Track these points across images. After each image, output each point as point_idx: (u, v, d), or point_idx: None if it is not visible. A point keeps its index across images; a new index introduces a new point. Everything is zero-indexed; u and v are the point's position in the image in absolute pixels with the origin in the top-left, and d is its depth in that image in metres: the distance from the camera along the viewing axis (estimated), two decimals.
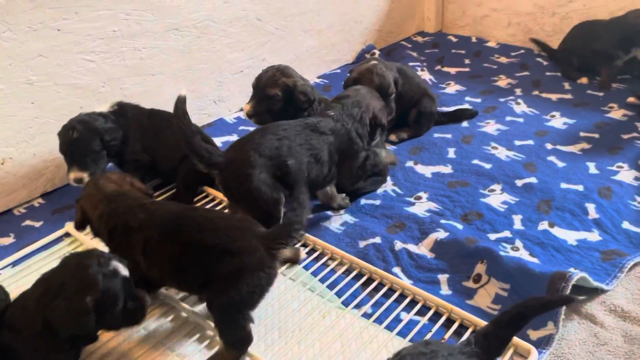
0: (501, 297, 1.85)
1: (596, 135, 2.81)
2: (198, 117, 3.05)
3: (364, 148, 2.22)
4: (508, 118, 3.04)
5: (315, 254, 2.09)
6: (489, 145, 2.76)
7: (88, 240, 2.11)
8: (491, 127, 2.95)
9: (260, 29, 3.22)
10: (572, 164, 2.57)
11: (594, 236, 2.11)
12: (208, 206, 2.38)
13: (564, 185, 2.39)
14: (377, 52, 3.89)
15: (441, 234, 2.10)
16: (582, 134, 2.83)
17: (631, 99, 3.07)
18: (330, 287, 1.94)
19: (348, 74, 2.60)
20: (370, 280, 1.95)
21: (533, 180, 2.44)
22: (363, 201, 2.40)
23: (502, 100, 3.25)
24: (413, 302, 1.85)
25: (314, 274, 2.01)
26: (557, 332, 1.69)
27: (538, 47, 3.80)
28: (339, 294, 1.90)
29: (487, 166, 2.58)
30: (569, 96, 3.25)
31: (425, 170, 2.61)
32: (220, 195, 2.41)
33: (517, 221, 2.21)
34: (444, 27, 4.45)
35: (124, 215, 1.69)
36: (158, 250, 1.64)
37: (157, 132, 2.45)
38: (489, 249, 1.96)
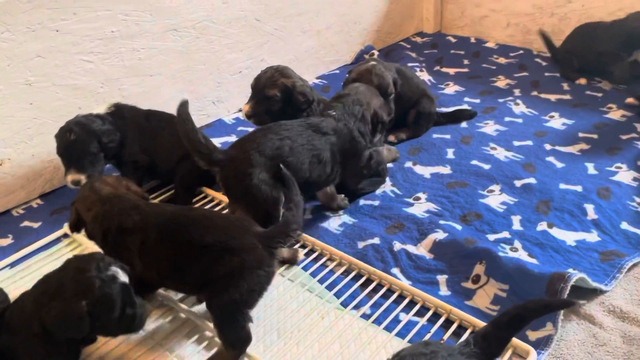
0: (500, 297, 1.85)
1: (595, 136, 2.81)
2: (197, 117, 3.02)
3: (367, 146, 2.22)
4: (507, 119, 3.04)
5: (314, 255, 2.09)
6: (488, 146, 2.76)
7: (87, 241, 2.10)
8: (490, 127, 2.95)
9: (259, 29, 3.22)
10: (571, 164, 2.57)
11: (592, 237, 2.11)
12: (207, 207, 2.38)
13: (562, 186, 2.39)
14: (376, 53, 3.89)
15: (440, 235, 2.10)
16: (581, 134, 2.83)
17: (630, 100, 3.07)
18: (329, 287, 1.94)
19: (347, 75, 2.60)
20: (369, 281, 1.95)
21: (532, 180, 2.44)
22: (362, 202, 2.40)
23: (501, 100, 3.25)
24: (412, 303, 1.85)
25: (313, 274, 2.00)
26: (556, 332, 1.69)
27: (543, 42, 3.71)
28: (337, 295, 1.90)
29: (486, 167, 2.58)
30: (567, 97, 3.25)
31: (424, 171, 2.60)
32: (218, 196, 2.41)
33: (516, 222, 2.21)
34: (443, 27, 4.45)
35: (118, 217, 1.68)
36: (156, 251, 1.63)
37: (155, 133, 2.44)
38: (488, 249, 1.96)
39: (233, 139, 2.92)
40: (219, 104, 3.18)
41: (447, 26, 4.42)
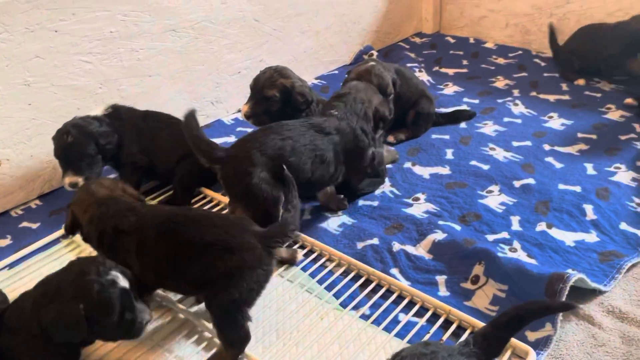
0: (499, 298, 1.85)
1: (594, 136, 2.81)
2: None
3: (370, 145, 2.22)
4: (506, 119, 3.04)
5: (313, 255, 2.09)
6: (487, 147, 2.76)
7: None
8: (489, 128, 2.95)
9: (258, 30, 3.22)
10: (569, 165, 2.57)
11: (591, 237, 2.11)
12: (206, 207, 2.37)
13: (561, 186, 2.40)
14: (375, 53, 3.89)
15: (439, 235, 2.10)
16: (579, 135, 2.83)
17: (629, 100, 3.07)
18: (328, 288, 1.93)
19: (346, 75, 2.60)
20: (368, 282, 1.95)
21: (531, 181, 2.44)
22: (361, 202, 2.40)
23: (500, 101, 3.25)
24: (411, 304, 1.85)
25: (312, 275, 2.00)
26: (555, 333, 1.69)
27: (549, 35, 3.69)
28: (337, 296, 1.90)
29: (485, 167, 2.59)
30: (566, 97, 3.25)
31: (423, 172, 2.60)
32: (217, 197, 2.41)
33: (515, 222, 2.21)
34: (442, 28, 4.45)
35: (114, 219, 1.68)
36: (154, 251, 1.63)
37: (153, 134, 2.44)
38: (487, 250, 1.96)
39: (232, 139, 2.92)
40: (217, 105, 3.17)
41: (446, 26, 4.42)
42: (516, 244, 2.08)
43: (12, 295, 1.68)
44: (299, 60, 3.54)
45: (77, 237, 2.15)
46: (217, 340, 1.70)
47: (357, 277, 1.98)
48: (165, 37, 2.78)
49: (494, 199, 2.35)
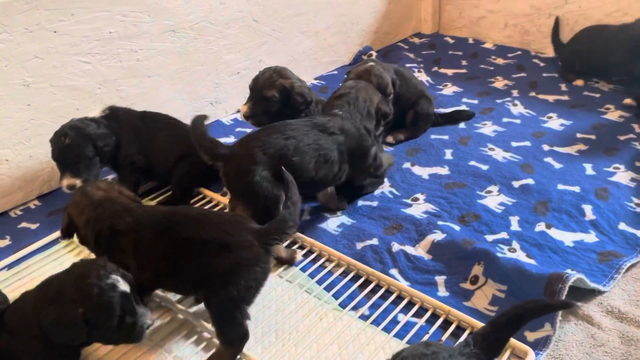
0: (498, 298, 1.85)
1: (593, 137, 2.81)
2: None
3: (373, 144, 2.22)
4: (505, 119, 3.04)
5: (313, 256, 2.09)
6: (486, 147, 2.77)
7: None
8: (488, 128, 2.95)
9: (257, 30, 3.22)
10: (568, 165, 2.57)
11: (590, 237, 2.11)
12: (205, 208, 2.37)
13: (560, 187, 2.40)
14: (374, 54, 3.89)
15: (438, 236, 2.10)
16: (578, 135, 2.84)
17: (627, 101, 3.07)
18: (328, 289, 1.93)
19: (345, 76, 2.60)
20: (367, 282, 1.95)
21: (530, 181, 2.45)
22: (360, 203, 2.40)
23: (499, 101, 3.25)
24: (410, 304, 1.85)
25: (311, 275, 2.00)
26: (554, 333, 1.69)
27: (553, 29, 3.68)
28: (336, 296, 1.90)
29: (484, 167, 2.59)
30: (565, 97, 3.26)
31: (423, 172, 2.61)
32: (216, 197, 2.41)
33: (514, 222, 2.21)
34: (441, 28, 4.45)
35: (110, 220, 1.69)
36: (152, 251, 1.63)
37: (152, 135, 2.44)
38: (486, 250, 1.96)
39: (231, 140, 2.92)
40: (217, 105, 3.17)
41: (445, 27, 4.42)
42: (515, 244, 2.08)
43: (11, 296, 1.68)
44: (298, 60, 3.54)
45: (76, 238, 2.16)
46: (216, 341, 1.70)
47: (356, 278, 1.98)
48: (164, 38, 2.78)
49: (493, 199, 2.35)
